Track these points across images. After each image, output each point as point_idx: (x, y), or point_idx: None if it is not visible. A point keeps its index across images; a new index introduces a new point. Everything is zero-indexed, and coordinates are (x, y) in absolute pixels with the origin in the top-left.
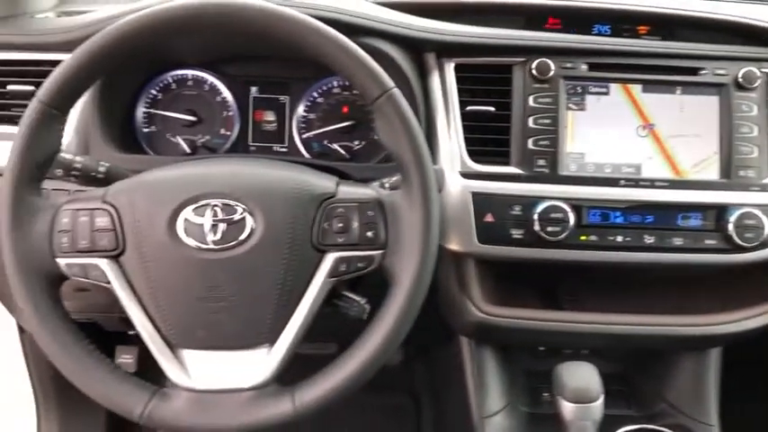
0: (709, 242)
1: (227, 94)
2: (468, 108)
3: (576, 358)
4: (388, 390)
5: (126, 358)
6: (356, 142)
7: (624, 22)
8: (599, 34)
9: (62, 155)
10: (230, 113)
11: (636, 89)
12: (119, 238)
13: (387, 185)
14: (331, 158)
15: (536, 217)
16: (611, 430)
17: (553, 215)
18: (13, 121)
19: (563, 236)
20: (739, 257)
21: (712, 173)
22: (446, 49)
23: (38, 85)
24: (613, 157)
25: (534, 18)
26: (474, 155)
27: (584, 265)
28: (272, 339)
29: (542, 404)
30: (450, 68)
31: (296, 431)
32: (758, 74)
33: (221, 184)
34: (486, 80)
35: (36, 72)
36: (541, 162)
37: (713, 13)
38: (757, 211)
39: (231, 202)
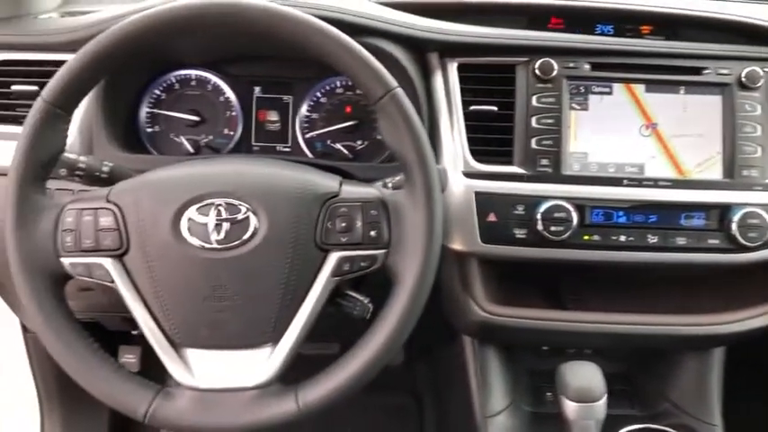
0: (713, 242)
1: (230, 94)
2: (472, 108)
3: (579, 358)
4: (390, 390)
5: (129, 358)
6: (359, 142)
7: (627, 22)
8: (602, 34)
9: (66, 154)
10: (233, 113)
11: (639, 89)
12: (123, 238)
13: (390, 185)
14: (334, 158)
15: (539, 216)
16: (615, 430)
17: (556, 215)
18: (17, 120)
19: (566, 235)
20: (743, 257)
21: (715, 172)
22: (449, 49)
23: (42, 85)
24: (616, 156)
25: (537, 18)
26: (477, 154)
27: (587, 265)
28: (275, 339)
29: (545, 404)
30: (453, 68)
31: (298, 431)
32: (761, 73)
33: (225, 183)
34: (489, 80)
35: (40, 72)
36: (544, 162)
37: (716, 12)
38: (761, 211)
39: (235, 202)
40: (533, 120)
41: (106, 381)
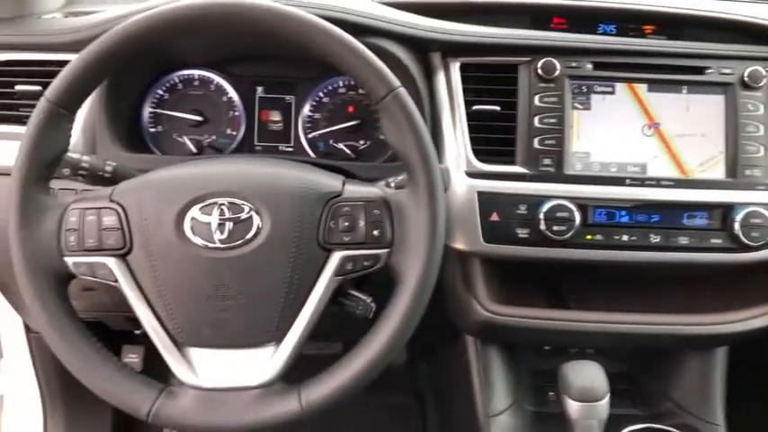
0: (715, 241)
1: (233, 94)
2: (474, 107)
3: (581, 358)
4: (393, 389)
5: (132, 357)
6: (362, 142)
7: (629, 22)
8: (604, 34)
9: (69, 154)
10: (236, 113)
11: (641, 88)
12: (126, 237)
13: (392, 185)
14: (337, 158)
15: (542, 216)
16: (617, 429)
17: (559, 214)
18: (20, 120)
19: (569, 235)
20: (745, 257)
21: (718, 172)
22: (451, 49)
23: (45, 85)
24: (619, 156)
25: (539, 18)
26: (479, 154)
27: (589, 265)
28: (278, 338)
29: (548, 403)
30: (455, 68)
31: (300, 430)
32: (764, 73)
33: (228, 182)
34: (491, 80)
35: (43, 72)
36: (547, 161)
37: (719, 12)
38: (763, 210)
39: (238, 201)
40: (536, 119)
41: (109, 380)
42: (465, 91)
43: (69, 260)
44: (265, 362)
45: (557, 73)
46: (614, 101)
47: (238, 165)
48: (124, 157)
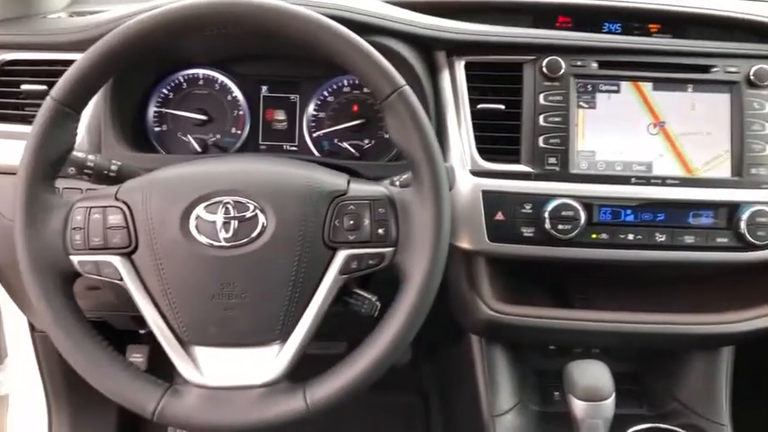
0: (721, 240)
1: (237, 93)
2: (479, 106)
3: (586, 357)
4: (397, 388)
5: (137, 357)
6: (366, 141)
7: (635, 20)
8: (609, 32)
9: (75, 153)
10: (241, 112)
11: (647, 87)
12: (131, 236)
13: (397, 183)
14: (341, 157)
15: (547, 215)
16: (623, 429)
17: (564, 213)
18: (26, 120)
19: (574, 234)
20: (751, 255)
21: (724, 171)
22: (456, 48)
23: (51, 84)
24: (624, 155)
25: (544, 16)
26: (484, 153)
27: (594, 264)
28: (283, 336)
29: (553, 403)
30: (460, 66)
31: (304, 430)
32: None
33: (233, 181)
34: (496, 78)
35: (49, 72)
36: (552, 160)
37: (724, 10)
38: None
39: (243, 200)
40: (541, 118)
41: (115, 379)
42: (470, 89)
43: (75, 259)
44: (270, 360)
45: (562, 71)
46: (619, 99)
47: (243, 163)
48: (129, 156)
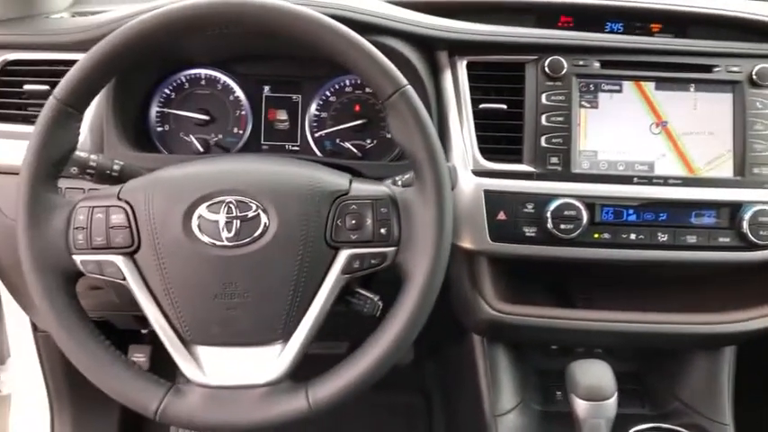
0: (723, 240)
1: (239, 93)
2: (481, 106)
3: (588, 357)
4: (399, 388)
5: (139, 357)
6: (368, 141)
7: (637, 20)
8: (611, 32)
9: (77, 153)
10: (243, 112)
11: (649, 87)
12: (134, 235)
13: (399, 183)
14: (343, 157)
15: (549, 215)
16: (625, 429)
17: (566, 213)
18: (28, 120)
19: (576, 234)
20: (754, 255)
21: (726, 170)
22: (458, 47)
23: (53, 84)
24: (626, 154)
25: (546, 16)
26: (486, 153)
27: (597, 263)
28: (285, 336)
29: (555, 402)
30: (462, 66)
31: (306, 429)
32: None
33: (236, 181)
34: (498, 78)
35: (51, 72)
36: (554, 160)
37: (727, 10)
38: None
39: (245, 200)
40: (543, 118)
41: (117, 378)
42: (472, 89)
43: (77, 258)
44: (273, 360)
45: (564, 71)
46: (622, 99)
47: (245, 163)
48: (131, 156)
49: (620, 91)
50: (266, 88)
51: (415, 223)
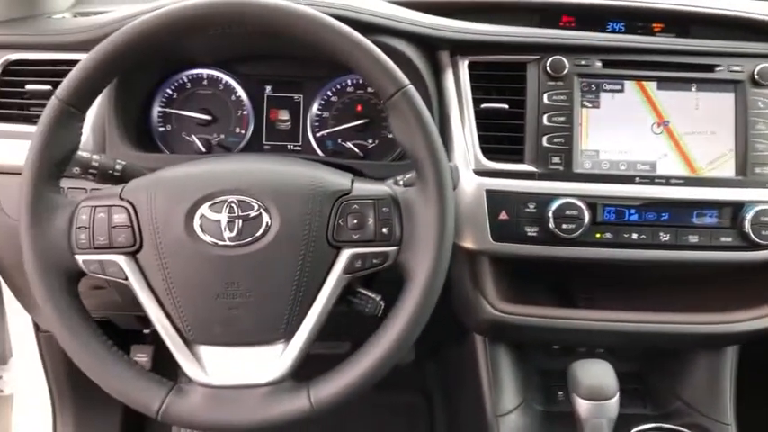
0: (725, 240)
1: (241, 93)
2: (483, 106)
3: (590, 357)
4: (400, 388)
5: (141, 357)
6: (370, 141)
7: (638, 20)
8: (613, 32)
9: (80, 153)
10: (245, 112)
11: (651, 86)
12: (136, 235)
13: (401, 183)
14: (345, 157)
15: (551, 215)
16: (627, 428)
17: (568, 213)
18: (30, 120)
19: (578, 233)
20: (756, 255)
21: (728, 170)
22: (460, 47)
23: (55, 84)
24: (628, 154)
25: (548, 16)
26: (488, 152)
27: (598, 263)
28: (287, 335)
29: (557, 402)
30: (464, 66)
31: (307, 429)
32: None
33: (238, 180)
34: (500, 78)
35: (54, 72)
36: (556, 159)
37: (728, 9)
38: None
39: (247, 199)
40: (545, 117)
41: (120, 377)
42: (473, 89)
43: (80, 258)
44: (275, 359)
45: (565, 71)
46: (623, 99)
47: (247, 163)
48: (133, 155)
49: (621, 91)
50: (268, 88)
51: (417, 223)
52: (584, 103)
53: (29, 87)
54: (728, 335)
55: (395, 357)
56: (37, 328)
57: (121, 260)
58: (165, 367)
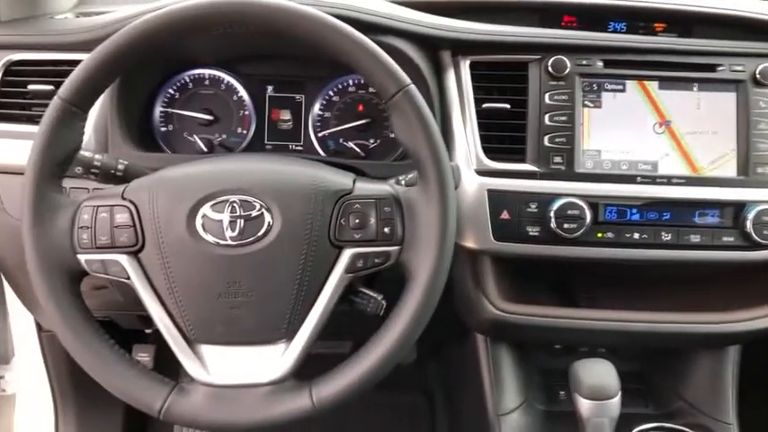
0: (727, 239)
1: (243, 93)
2: (484, 105)
3: (592, 356)
4: (402, 388)
5: (143, 357)
6: (371, 140)
7: (640, 19)
8: (615, 31)
9: (82, 153)
10: (246, 112)
11: (652, 86)
12: (138, 235)
13: (403, 182)
14: (347, 156)
15: (552, 214)
16: (629, 428)
17: (569, 212)
18: (33, 120)
19: (579, 233)
20: (757, 255)
21: (730, 170)
22: (462, 47)
23: (58, 84)
24: (630, 154)
25: (550, 15)
26: (490, 152)
27: (600, 263)
28: (289, 335)
29: (559, 402)
30: (465, 66)
31: (309, 428)
32: None
33: (240, 180)
34: (501, 77)
35: (56, 72)
36: (557, 159)
37: (730, 9)
38: None
39: (249, 199)
40: (546, 117)
41: (122, 377)
42: (475, 89)
43: (82, 257)
44: (276, 359)
45: (567, 71)
46: (625, 99)
47: (249, 163)
48: (135, 155)
49: (623, 90)
50: (270, 88)
51: (419, 222)
52: (586, 102)
53: (31, 87)
54: (730, 334)
55: (396, 357)
56: (39, 327)
57: (124, 260)
58: (167, 367)
